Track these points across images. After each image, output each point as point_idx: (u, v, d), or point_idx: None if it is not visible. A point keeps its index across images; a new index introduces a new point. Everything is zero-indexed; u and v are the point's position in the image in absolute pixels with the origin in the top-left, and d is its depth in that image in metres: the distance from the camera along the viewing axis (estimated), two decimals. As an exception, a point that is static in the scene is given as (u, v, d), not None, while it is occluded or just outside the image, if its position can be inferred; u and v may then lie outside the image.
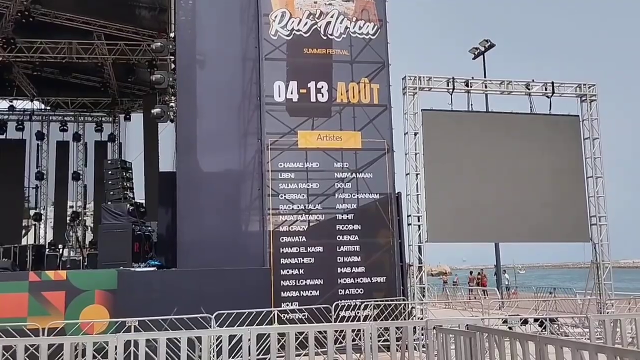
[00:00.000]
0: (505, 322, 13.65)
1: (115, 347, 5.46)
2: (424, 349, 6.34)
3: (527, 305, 20.67)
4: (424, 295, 14.86)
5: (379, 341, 6.46)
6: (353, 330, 6.79)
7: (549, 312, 17.78)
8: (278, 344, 6.62)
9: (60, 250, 21.46)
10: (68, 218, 25.16)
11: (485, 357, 5.37)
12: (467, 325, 5.61)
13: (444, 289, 33.18)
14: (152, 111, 15.97)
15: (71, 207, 26.44)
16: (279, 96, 14.91)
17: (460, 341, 5.60)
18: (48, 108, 26.70)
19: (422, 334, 6.13)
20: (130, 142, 26.27)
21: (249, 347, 5.65)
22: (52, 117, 26.96)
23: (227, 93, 14.94)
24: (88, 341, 5.50)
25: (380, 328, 6.53)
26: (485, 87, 15.97)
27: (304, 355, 6.07)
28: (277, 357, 6.07)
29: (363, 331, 6.03)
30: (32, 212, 25.93)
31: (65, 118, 26.77)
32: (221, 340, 5.96)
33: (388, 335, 6.23)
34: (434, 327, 5.93)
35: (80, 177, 26.41)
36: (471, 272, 37.85)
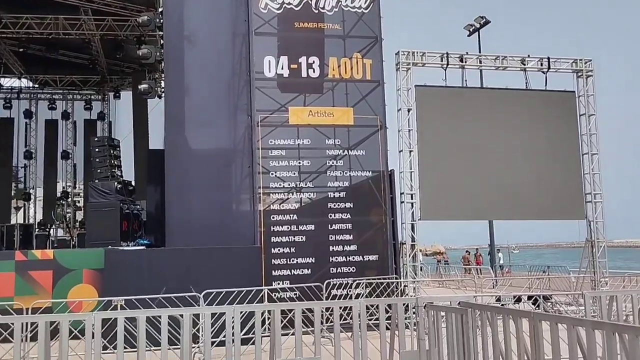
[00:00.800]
0: (498, 300, 13.53)
1: (93, 324, 5.22)
2: (415, 327, 6.13)
3: (521, 283, 20.57)
4: (416, 274, 14.69)
5: (370, 320, 6.24)
6: (344, 309, 6.56)
7: (542, 290, 17.67)
8: (265, 322, 6.42)
9: (50, 230, 21.18)
10: (57, 197, 24.84)
11: (478, 334, 5.16)
12: (459, 302, 5.40)
13: (437, 268, 33.16)
14: (140, 87, 15.63)
15: (63, 187, 26.10)
16: (269, 71, 14.60)
17: (452, 318, 5.40)
18: (36, 86, 26.24)
19: (414, 312, 5.92)
20: (120, 120, 25.91)
21: (233, 325, 5.42)
22: (41, 95, 26.52)
23: (216, 68, 14.60)
24: (63, 320, 5.26)
25: (372, 306, 6.32)
26: (480, 62, 15.67)
27: (291, 335, 5.84)
28: (263, 336, 5.85)
29: (352, 309, 5.80)
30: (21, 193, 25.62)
31: (53, 96, 26.31)
32: (212, 319, 5.71)
33: (375, 312, 6.00)
34: (425, 305, 5.72)
35: (70, 156, 26.04)
36: (468, 252, 37.91)
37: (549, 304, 14.35)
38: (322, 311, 7.14)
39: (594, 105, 16.02)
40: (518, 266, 30.32)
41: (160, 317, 5.52)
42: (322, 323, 7.02)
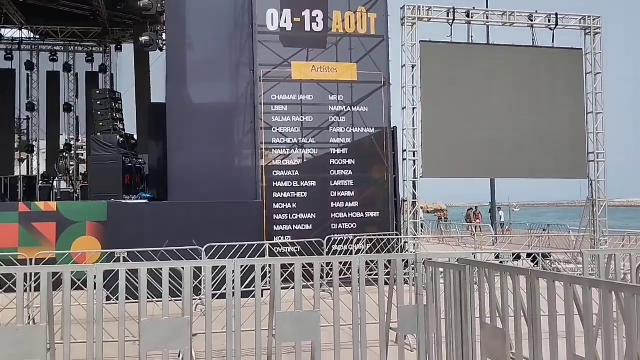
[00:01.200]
0: (497, 257, 13.64)
1: (95, 276, 5.28)
2: (414, 283, 6.20)
3: (521, 241, 20.73)
4: (417, 231, 14.78)
5: (370, 275, 6.31)
6: (344, 264, 6.62)
7: (542, 248, 17.80)
8: (266, 276, 6.49)
9: (53, 182, 21.27)
10: (60, 150, 24.85)
11: (475, 291, 5.22)
12: (457, 259, 5.44)
13: (438, 226, 33.39)
14: (141, 39, 15.47)
15: (66, 140, 26.06)
16: (272, 25, 14.38)
17: (450, 275, 5.44)
18: (37, 37, 25.92)
19: (413, 268, 5.97)
20: (122, 73, 25.66)
21: (233, 279, 5.48)
22: (42, 47, 26.22)
23: (218, 21, 14.38)
24: (65, 271, 5.32)
25: (372, 262, 6.38)
26: (487, 18, 15.40)
27: (291, 289, 5.91)
28: (263, 289, 5.92)
29: (352, 264, 5.85)
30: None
31: (55, 48, 26.00)
32: (214, 272, 5.78)
33: (375, 268, 6.06)
34: (424, 261, 5.77)
35: (72, 108, 25.91)
36: (470, 209, 38.06)
37: (547, 262, 14.48)
38: (322, 266, 7.19)
39: (600, 64, 15.83)
40: (519, 224, 30.46)
41: (161, 269, 5.58)
42: (322, 278, 7.10)
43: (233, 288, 5.51)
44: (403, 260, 6.04)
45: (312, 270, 5.86)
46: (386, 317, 6.05)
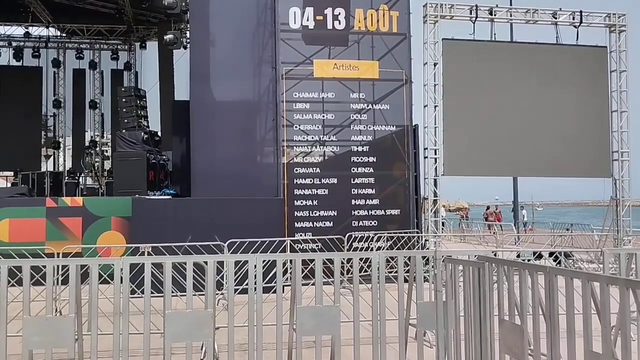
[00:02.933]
0: (518, 255, 13.58)
1: (121, 269, 5.44)
2: (433, 280, 6.26)
3: (543, 240, 20.57)
4: (437, 229, 14.78)
5: (390, 272, 6.38)
6: (364, 261, 6.71)
7: (564, 247, 17.67)
8: (287, 272, 6.59)
9: (79, 178, 21.63)
10: (86, 147, 25.27)
11: (494, 288, 5.26)
12: (476, 256, 5.49)
13: (460, 224, 33.23)
14: (165, 37, 15.65)
15: (91, 136, 26.49)
16: (295, 23, 14.48)
17: (469, 272, 5.49)
18: (64, 35, 26.34)
19: (432, 266, 6.03)
20: (147, 71, 25.98)
21: (255, 273, 5.60)
22: (68, 45, 26.65)
23: (241, 19, 14.52)
24: (93, 263, 5.48)
25: (392, 259, 6.44)
26: (510, 15, 15.32)
27: (311, 285, 6.01)
28: (284, 285, 6.03)
29: (372, 261, 5.93)
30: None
31: (81, 45, 26.43)
32: (235, 268, 5.90)
33: (395, 265, 6.14)
34: (443, 258, 5.82)
35: (97, 105, 26.33)
36: (488, 207, 37.79)
37: (570, 261, 14.39)
38: (342, 262, 7.28)
39: (625, 62, 15.67)
40: (542, 224, 30.20)
41: (185, 263, 5.71)
42: (342, 274, 7.18)
43: (255, 283, 5.62)
44: (423, 258, 6.10)
45: (332, 266, 5.95)
46: (405, 314, 6.12)
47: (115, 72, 26.31)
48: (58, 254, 10.82)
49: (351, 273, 6.29)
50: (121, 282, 5.50)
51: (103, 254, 12.37)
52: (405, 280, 6.17)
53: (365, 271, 6.61)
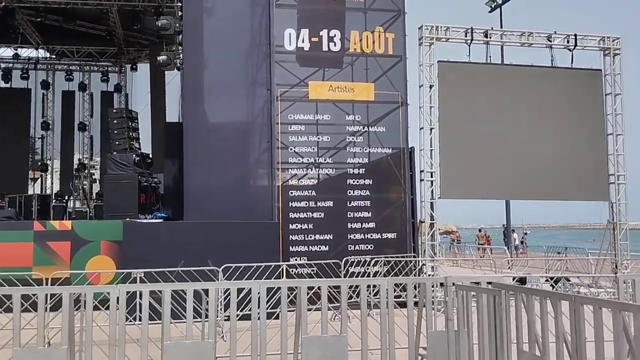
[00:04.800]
0: (520, 280, 13.36)
1: (117, 298, 5.14)
2: (440, 307, 6.00)
3: (537, 264, 20.38)
4: (435, 253, 14.54)
5: (395, 298, 6.14)
6: (363, 287, 6.44)
7: (562, 272, 17.48)
8: (287, 298, 6.31)
9: (67, 201, 21.23)
10: (74, 169, 24.88)
11: (511, 317, 5.02)
12: (491, 282, 5.25)
13: (451, 247, 33.01)
14: (159, 58, 15.47)
15: (79, 159, 26.11)
16: (290, 44, 14.35)
17: (483, 299, 5.25)
18: (53, 56, 26.11)
19: (439, 292, 5.78)
20: (137, 92, 25.75)
21: (259, 300, 5.32)
22: (57, 66, 26.40)
23: (235, 41, 14.38)
24: (88, 291, 5.19)
25: (399, 285, 6.21)
26: (506, 38, 15.30)
27: (314, 310, 5.74)
28: (288, 311, 5.75)
29: (373, 287, 5.68)
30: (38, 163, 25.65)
31: (70, 67, 26.15)
32: (229, 294, 5.63)
33: (401, 292, 5.89)
34: (454, 284, 5.58)
35: (87, 127, 26.01)
36: (480, 230, 37.70)
37: (567, 285, 14.22)
38: (329, 288, 6.99)
39: (620, 85, 15.64)
40: (534, 247, 30.04)
41: (182, 290, 5.43)
42: (335, 300, 6.89)
43: (258, 310, 5.35)
44: (432, 284, 5.86)
45: (334, 291, 5.70)
46: (415, 343, 5.86)
47: (105, 94, 26.05)
48: (47, 279, 10.47)
49: (350, 298, 6.03)
50: (117, 311, 5.20)
51: (93, 280, 12.06)
52: (402, 306, 5.92)
53: (354, 298, 6.36)
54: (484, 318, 5.21)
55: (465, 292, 5.48)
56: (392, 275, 12.99)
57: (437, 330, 5.78)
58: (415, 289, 6.07)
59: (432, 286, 6.36)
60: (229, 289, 5.66)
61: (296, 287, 5.73)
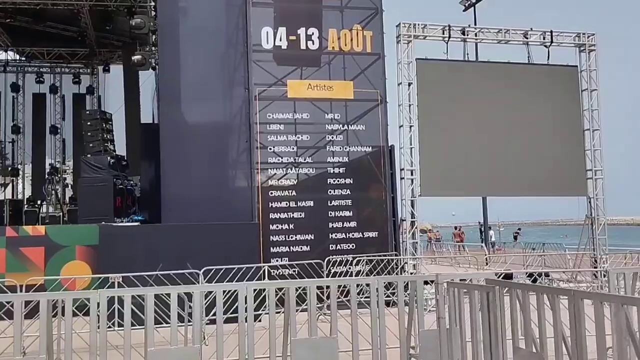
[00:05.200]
0: (505, 277, 13.33)
1: (98, 304, 4.91)
2: (428, 306, 5.88)
3: (516, 260, 20.43)
4: (416, 251, 14.48)
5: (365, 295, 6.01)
6: (342, 286, 6.31)
7: (541, 267, 17.55)
8: (266, 300, 6.14)
9: (40, 206, 20.71)
10: (47, 173, 24.28)
11: (505, 313, 4.92)
12: (484, 279, 5.15)
13: (429, 246, 33.06)
14: (133, 58, 15.18)
15: (50, 163, 25.46)
16: (267, 43, 14.17)
17: (475, 296, 5.14)
18: (23, 59, 25.46)
19: (431, 290, 5.66)
20: (110, 94, 25.18)
21: (245, 302, 5.14)
22: (28, 69, 25.74)
23: (211, 40, 14.18)
24: (67, 297, 4.95)
25: (388, 285, 6.07)
26: (482, 35, 15.31)
27: (300, 311, 5.58)
28: (272, 312, 5.58)
29: (358, 287, 5.54)
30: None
31: (41, 69, 25.53)
32: (211, 297, 5.43)
33: (385, 290, 5.75)
34: (446, 282, 5.47)
35: (59, 131, 25.39)
36: (456, 228, 37.99)
37: (546, 280, 14.27)
38: (334, 288, 6.85)
39: (596, 81, 15.80)
40: (510, 243, 30.24)
41: (164, 295, 5.22)
42: (318, 301, 6.75)
43: (246, 313, 5.17)
44: (424, 282, 5.74)
45: (319, 292, 5.54)
46: (406, 343, 5.73)
47: (77, 96, 25.42)
48: (21, 286, 10.14)
49: (338, 298, 5.88)
50: (98, 319, 4.97)
51: (68, 286, 11.75)
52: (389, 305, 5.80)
53: (346, 296, 6.22)
54: (477, 315, 5.10)
55: (457, 289, 5.37)
56: (374, 275, 12.89)
57: (428, 330, 5.66)
58: (406, 289, 5.94)
59: (426, 284, 6.25)
60: (212, 292, 5.46)
61: (281, 289, 5.56)
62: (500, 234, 41.24)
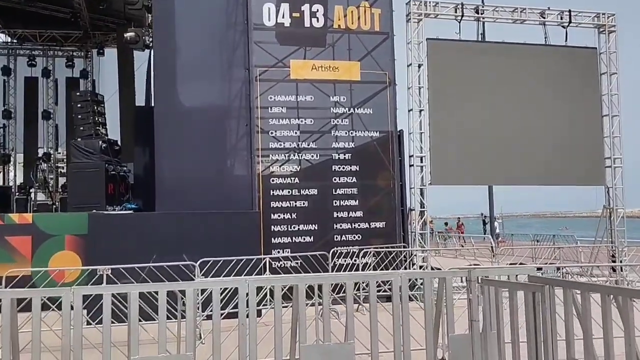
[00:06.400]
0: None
1: (71, 305, 4.10)
2: (443, 304, 5.07)
3: (523, 253, 19.68)
4: (425, 242, 13.70)
5: (379, 291, 5.23)
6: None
7: (551, 260, 16.82)
8: (266, 296, 5.35)
9: (29, 193, 19.88)
10: (38, 159, 23.44)
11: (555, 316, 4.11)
12: (529, 276, 4.35)
13: (432, 237, 32.33)
14: (126, 35, 14.29)
15: (41, 148, 24.58)
16: (269, 20, 13.33)
17: (516, 297, 4.33)
18: (14, 41, 24.53)
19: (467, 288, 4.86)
20: (105, 78, 24.24)
21: (247, 301, 4.34)
22: (19, 51, 24.80)
23: (209, 17, 13.32)
24: (35, 296, 4.15)
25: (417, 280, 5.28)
26: (497, 14, 14.46)
27: (310, 306, 4.79)
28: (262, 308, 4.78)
29: (393, 283, 4.75)
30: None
31: (33, 52, 24.60)
32: (209, 292, 4.64)
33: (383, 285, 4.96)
34: (480, 279, 4.66)
35: (51, 116, 24.50)
36: (446, 223, 37.46)
37: (558, 274, 13.56)
38: (350, 286, 6.05)
39: (616, 64, 14.96)
40: (519, 235, 29.49)
41: (155, 292, 4.43)
42: (313, 295, 5.96)
43: (247, 308, 4.37)
44: (455, 279, 4.94)
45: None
46: (434, 347, 4.94)
47: (70, 80, 24.47)
48: (1, 278, 9.37)
49: (343, 292, 5.10)
50: (71, 322, 4.17)
51: (56, 278, 11.03)
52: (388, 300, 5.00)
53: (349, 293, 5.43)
54: (517, 320, 4.29)
55: (494, 288, 4.57)
56: (381, 268, 12.17)
57: (460, 334, 4.86)
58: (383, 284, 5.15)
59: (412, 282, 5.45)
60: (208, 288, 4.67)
61: (286, 285, 4.77)
62: (503, 226, 40.58)
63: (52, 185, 22.06)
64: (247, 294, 4.37)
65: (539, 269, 9.82)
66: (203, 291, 5.66)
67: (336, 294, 8.89)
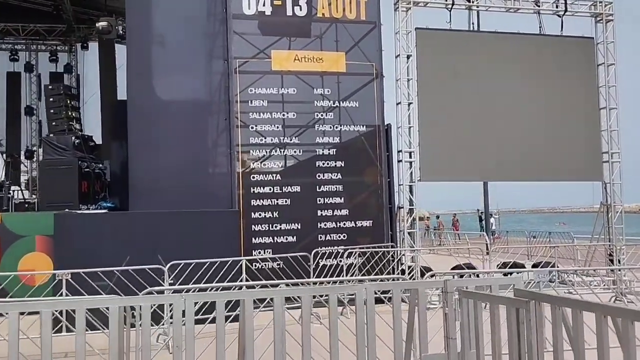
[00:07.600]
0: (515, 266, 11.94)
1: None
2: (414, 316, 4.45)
3: (518, 250, 19.11)
4: (414, 242, 13.09)
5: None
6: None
7: (548, 257, 16.22)
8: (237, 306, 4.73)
9: (10, 191, 19.22)
10: (22, 157, 22.84)
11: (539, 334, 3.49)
12: (514, 288, 3.72)
13: (426, 234, 31.82)
14: (97, 25, 13.65)
15: (27, 146, 23.96)
16: (249, 8, 12.70)
17: (497, 312, 3.71)
18: (-4, 36, 23.90)
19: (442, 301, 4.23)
20: (89, 73, 23.61)
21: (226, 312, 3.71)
22: (1, 46, 24.15)
23: (186, 5, 12.68)
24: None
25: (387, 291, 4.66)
26: (489, 2, 13.82)
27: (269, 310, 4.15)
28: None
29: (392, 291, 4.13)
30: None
31: (15, 46, 23.95)
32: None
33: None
34: (458, 290, 4.04)
35: (34, 112, 23.87)
36: (437, 217, 37.12)
37: (552, 276, 12.99)
38: (333, 300, 5.41)
39: (613, 54, 14.32)
40: (514, 232, 28.92)
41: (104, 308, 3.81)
42: (294, 300, 5.32)
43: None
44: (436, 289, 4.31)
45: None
46: (404, 370, 4.31)
47: (54, 75, 23.83)
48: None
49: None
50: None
51: (27, 281, 10.48)
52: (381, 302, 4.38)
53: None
54: (499, 338, 3.67)
55: (473, 301, 3.94)
56: (367, 268, 11.59)
57: (433, 354, 4.23)
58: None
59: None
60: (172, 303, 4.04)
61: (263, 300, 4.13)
62: (499, 222, 40.04)
63: (36, 182, 21.47)
64: (184, 311, 3.75)
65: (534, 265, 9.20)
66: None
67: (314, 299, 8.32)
